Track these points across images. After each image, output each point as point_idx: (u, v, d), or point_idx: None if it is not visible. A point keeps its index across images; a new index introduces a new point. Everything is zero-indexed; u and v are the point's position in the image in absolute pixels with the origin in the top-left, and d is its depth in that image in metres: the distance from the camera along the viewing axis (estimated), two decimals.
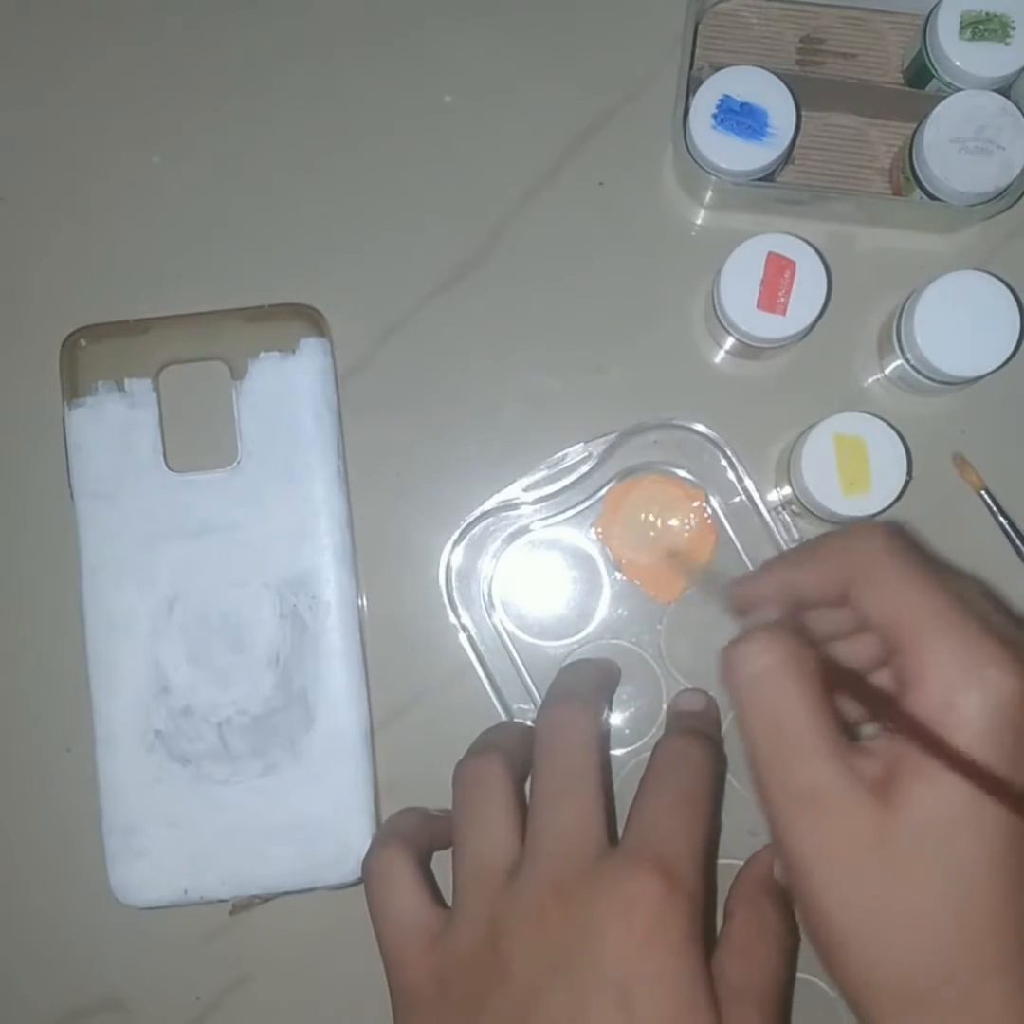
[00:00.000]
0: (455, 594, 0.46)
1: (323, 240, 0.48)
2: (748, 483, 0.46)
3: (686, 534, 0.46)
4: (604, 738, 0.41)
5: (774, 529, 0.45)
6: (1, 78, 0.48)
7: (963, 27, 0.43)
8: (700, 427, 0.46)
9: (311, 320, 0.46)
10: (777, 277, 0.42)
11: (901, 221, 0.47)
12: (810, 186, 0.47)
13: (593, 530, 0.47)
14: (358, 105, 0.48)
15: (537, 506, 0.46)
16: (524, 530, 0.47)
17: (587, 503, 0.46)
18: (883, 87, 0.47)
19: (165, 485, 0.45)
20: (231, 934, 0.47)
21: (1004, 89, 0.44)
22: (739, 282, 0.42)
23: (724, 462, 0.46)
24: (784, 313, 0.42)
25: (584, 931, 0.35)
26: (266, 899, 0.45)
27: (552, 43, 0.48)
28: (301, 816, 0.44)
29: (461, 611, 0.46)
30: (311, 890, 0.45)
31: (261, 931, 0.47)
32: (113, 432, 0.46)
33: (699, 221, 0.48)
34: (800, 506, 0.44)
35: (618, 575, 0.46)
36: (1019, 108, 0.43)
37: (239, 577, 0.45)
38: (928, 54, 0.44)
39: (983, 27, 0.43)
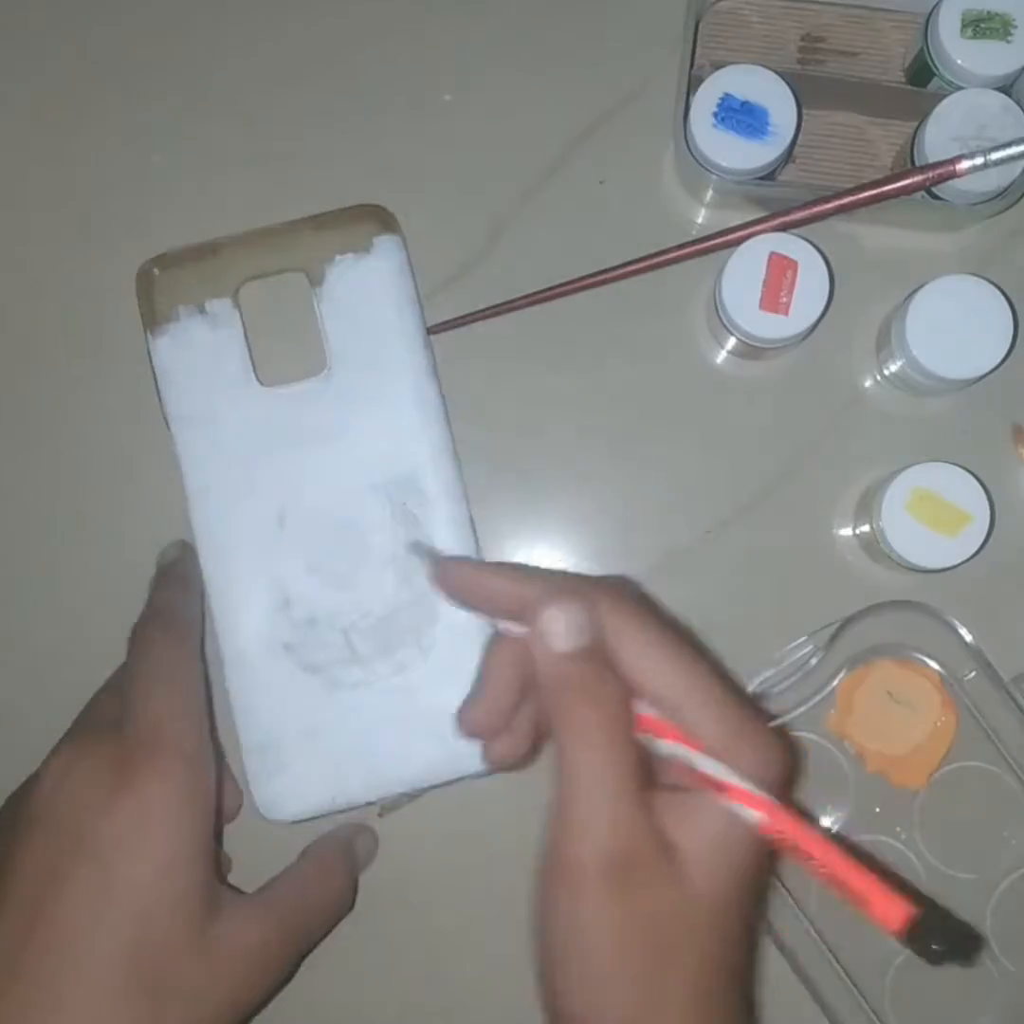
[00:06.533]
0: None
1: None
2: (986, 656, 0.44)
3: (928, 718, 0.45)
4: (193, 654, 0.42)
5: (1017, 699, 0.44)
6: None
7: (964, 25, 0.43)
8: (932, 609, 0.44)
9: (380, 218, 0.46)
10: (779, 277, 0.42)
11: (903, 220, 0.46)
12: (811, 185, 0.47)
13: (827, 725, 0.45)
14: (358, 105, 0.48)
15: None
16: None
17: (818, 697, 0.45)
18: (884, 86, 0.47)
19: (259, 401, 0.45)
20: None
21: (1005, 87, 0.44)
22: (741, 282, 0.42)
23: (954, 637, 0.44)
24: (786, 313, 0.42)
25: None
26: (414, 796, 0.45)
27: (552, 43, 0.48)
28: (436, 709, 0.41)
29: None
30: (457, 780, 0.44)
31: None
32: (199, 355, 0.45)
33: (700, 220, 0.47)
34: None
35: (861, 767, 0.45)
36: (1020, 106, 0.43)
37: (345, 482, 0.45)
38: (929, 52, 0.44)
39: (984, 25, 0.43)
